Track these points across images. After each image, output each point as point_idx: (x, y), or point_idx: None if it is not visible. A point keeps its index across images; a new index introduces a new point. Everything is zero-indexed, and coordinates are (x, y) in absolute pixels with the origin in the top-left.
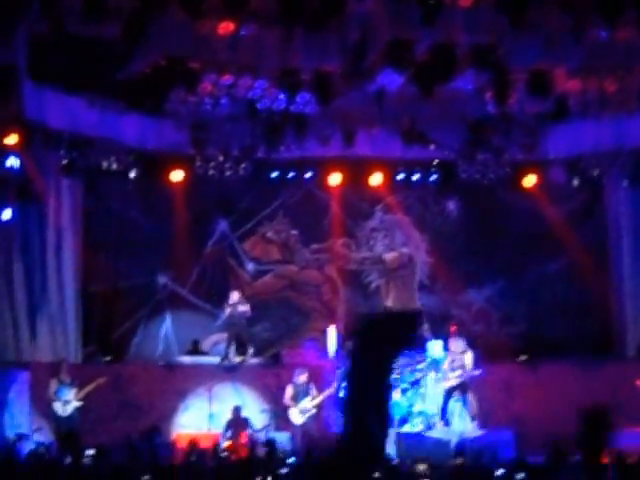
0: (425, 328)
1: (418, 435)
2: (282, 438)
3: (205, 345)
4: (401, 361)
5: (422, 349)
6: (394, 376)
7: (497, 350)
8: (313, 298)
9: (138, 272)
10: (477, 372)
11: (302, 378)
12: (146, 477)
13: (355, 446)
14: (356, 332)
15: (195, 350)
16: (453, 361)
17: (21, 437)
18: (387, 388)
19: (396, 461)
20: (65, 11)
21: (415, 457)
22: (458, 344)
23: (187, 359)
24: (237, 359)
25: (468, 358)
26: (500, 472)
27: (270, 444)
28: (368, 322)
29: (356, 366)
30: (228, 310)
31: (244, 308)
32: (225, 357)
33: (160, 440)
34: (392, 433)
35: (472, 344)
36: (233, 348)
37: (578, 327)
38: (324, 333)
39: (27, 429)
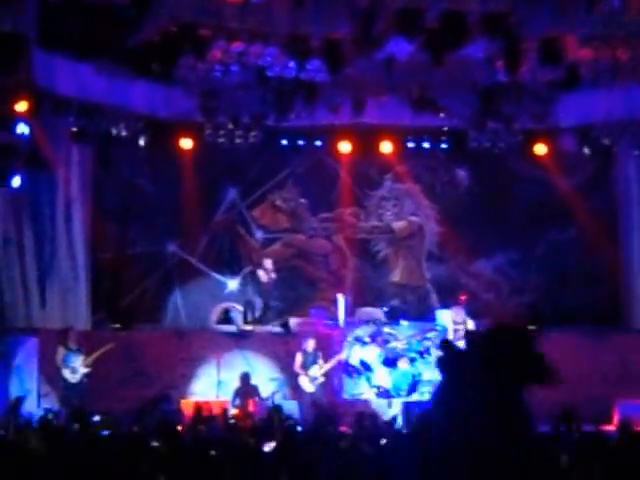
0: (434, 298)
1: (426, 404)
2: (290, 406)
3: (214, 314)
4: (410, 330)
5: (431, 318)
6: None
7: (506, 320)
8: (321, 267)
9: (147, 240)
10: None
11: (310, 346)
12: (155, 444)
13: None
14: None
15: (225, 319)
16: (456, 331)
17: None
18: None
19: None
20: None
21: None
22: (459, 313)
23: (222, 327)
24: (247, 327)
25: (470, 327)
26: None
27: (277, 410)
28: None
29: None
30: (265, 277)
31: (274, 275)
32: (258, 322)
33: (169, 407)
34: (399, 402)
35: (481, 313)
36: (268, 314)
37: (587, 297)
38: (332, 302)
39: (35, 395)
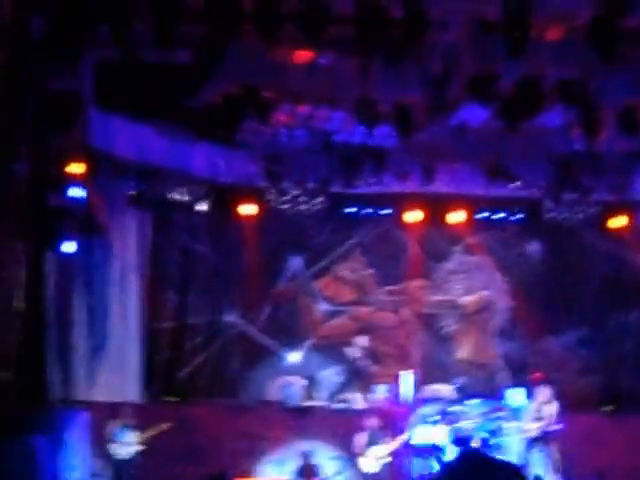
0: (503, 376)
1: None
2: None
3: (272, 389)
4: (480, 409)
5: (499, 397)
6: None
7: (577, 400)
8: (387, 342)
9: (206, 309)
10: (558, 426)
11: (374, 424)
12: None
13: None
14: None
15: (309, 396)
16: (538, 411)
17: None
18: None
19: None
20: (134, 36)
21: None
22: (545, 393)
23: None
24: (308, 402)
25: (553, 408)
26: None
27: None
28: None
29: None
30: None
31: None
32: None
33: None
34: None
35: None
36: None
37: None
38: (397, 378)
39: (86, 472)
